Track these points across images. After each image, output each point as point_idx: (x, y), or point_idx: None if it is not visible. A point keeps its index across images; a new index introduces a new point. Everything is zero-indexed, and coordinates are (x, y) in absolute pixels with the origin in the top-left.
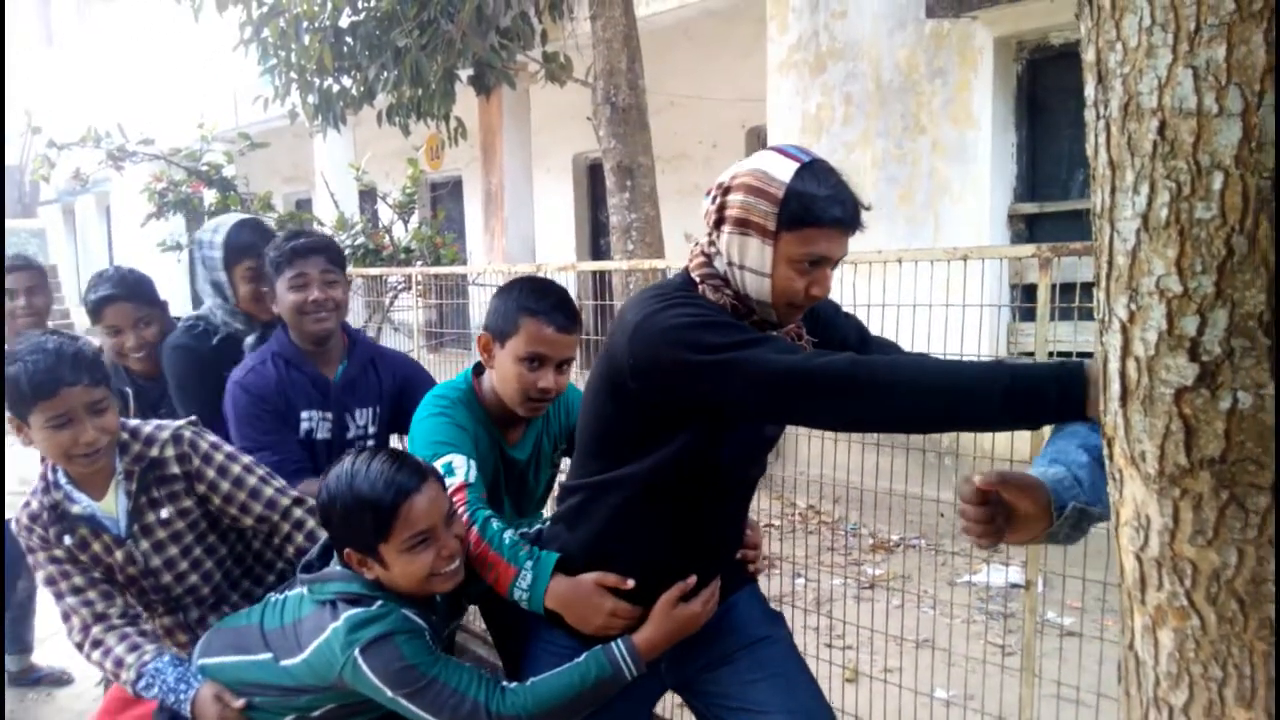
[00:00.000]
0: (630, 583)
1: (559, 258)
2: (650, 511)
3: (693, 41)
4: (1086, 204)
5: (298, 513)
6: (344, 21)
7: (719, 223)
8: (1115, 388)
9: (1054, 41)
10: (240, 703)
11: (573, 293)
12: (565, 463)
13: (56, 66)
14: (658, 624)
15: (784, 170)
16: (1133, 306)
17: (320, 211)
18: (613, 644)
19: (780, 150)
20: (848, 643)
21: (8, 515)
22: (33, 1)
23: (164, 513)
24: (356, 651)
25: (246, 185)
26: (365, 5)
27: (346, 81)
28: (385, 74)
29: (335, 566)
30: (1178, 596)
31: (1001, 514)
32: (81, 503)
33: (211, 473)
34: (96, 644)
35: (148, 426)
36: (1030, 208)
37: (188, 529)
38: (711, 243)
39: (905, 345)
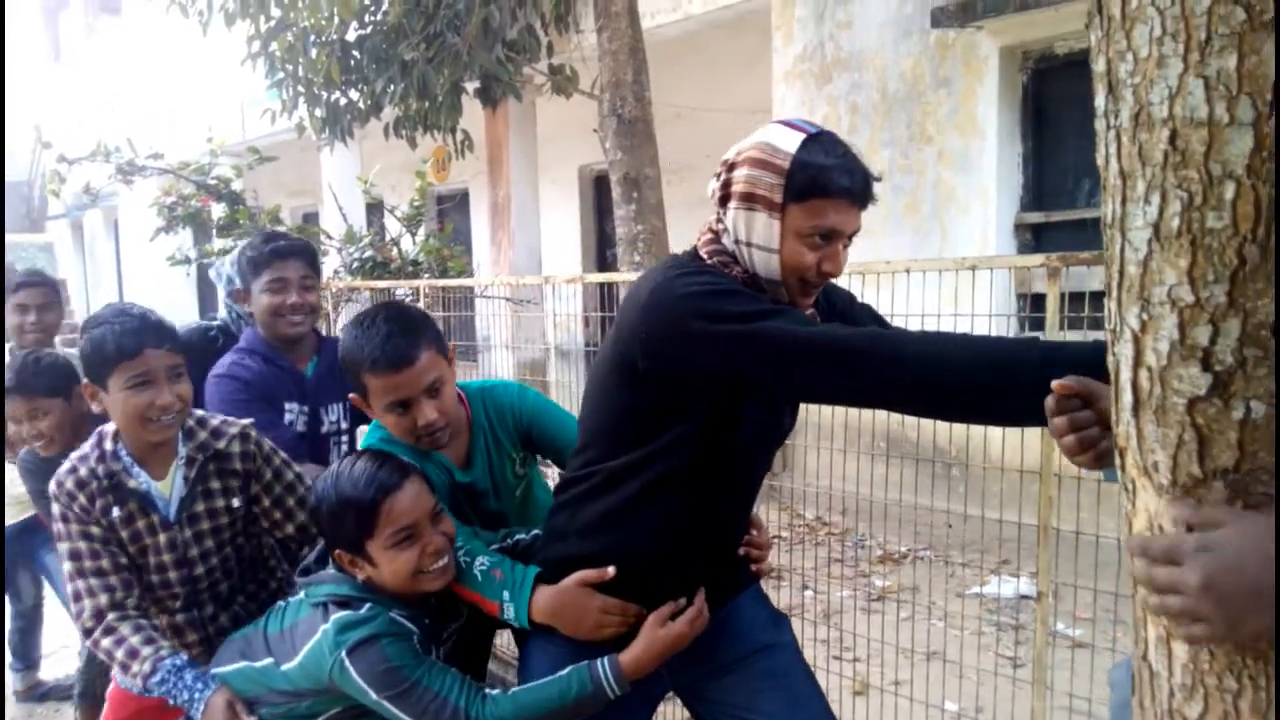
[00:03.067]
0: (611, 570)
1: (566, 269)
2: (656, 500)
3: (697, 53)
4: (1093, 213)
5: None
6: (351, 35)
7: (724, 199)
8: (1127, 398)
9: (1059, 51)
10: (252, 719)
11: (578, 305)
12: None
13: (64, 82)
14: (645, 644)
15: (790, 142)
16: (1144, 316)
17: (327, 225)
18: (597, 662)
19: (787, 123)
20: (856, 655)
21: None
22: (41, 18)
23: (215, 503)
24: (344, 653)
25: (255, 199)
26: (372, 19)
27: (354, 95)
28: (392, 87)
29: (329, 569)
30: None
31: (1096, 420)
32: (140, 478)
33: (269, 474)
34: (109, 631)
35: (215, 419)
36: (1037, 217)
37: (228, 526)
38: (719, 220)
39: None
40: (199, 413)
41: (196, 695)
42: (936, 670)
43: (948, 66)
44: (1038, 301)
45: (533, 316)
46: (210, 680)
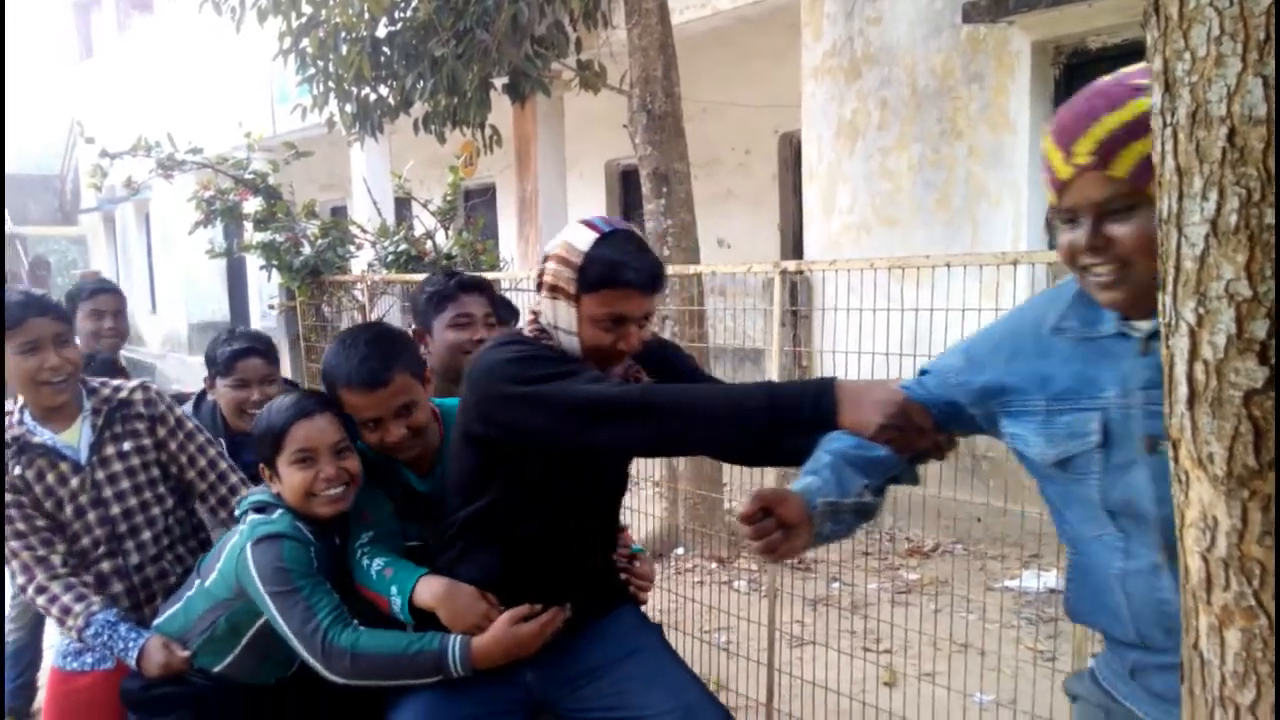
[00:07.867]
0: (499, 609)
1: None
2: (505, 538)
3: (726, 48)
4: None
5: (233, 478)
6: (381, 32)
7: (539, 288)
8: (1182, 391)
9: (1092, 45)
10: (186, 653)
11: None
12: None
13: (96, 78)
14: (494, 635)
15: (585, 240)
16: (1201, 311)
17: (356, 218)
18: (450, 634)
19: (587, 222)
20: (884, 646)
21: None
22: (72, 15)
23: (124, 445)
24: (249, 544)
25: (291, 193)
26: (402, 16)
27: (384, 90)
28: (422, 83)
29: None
30: (1245, 596)
31: (778, 528)
32: (43, 435)
33: (172, 420)
34: (41, 590)
35: (114, 380)
36: None
37: (142, 467)
38: (538, 304)
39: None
40: (99, 379)
41: (131, 644)
42: (968, 662)
43: (979, 62)
44: None
45: None
46: (142, 630)
